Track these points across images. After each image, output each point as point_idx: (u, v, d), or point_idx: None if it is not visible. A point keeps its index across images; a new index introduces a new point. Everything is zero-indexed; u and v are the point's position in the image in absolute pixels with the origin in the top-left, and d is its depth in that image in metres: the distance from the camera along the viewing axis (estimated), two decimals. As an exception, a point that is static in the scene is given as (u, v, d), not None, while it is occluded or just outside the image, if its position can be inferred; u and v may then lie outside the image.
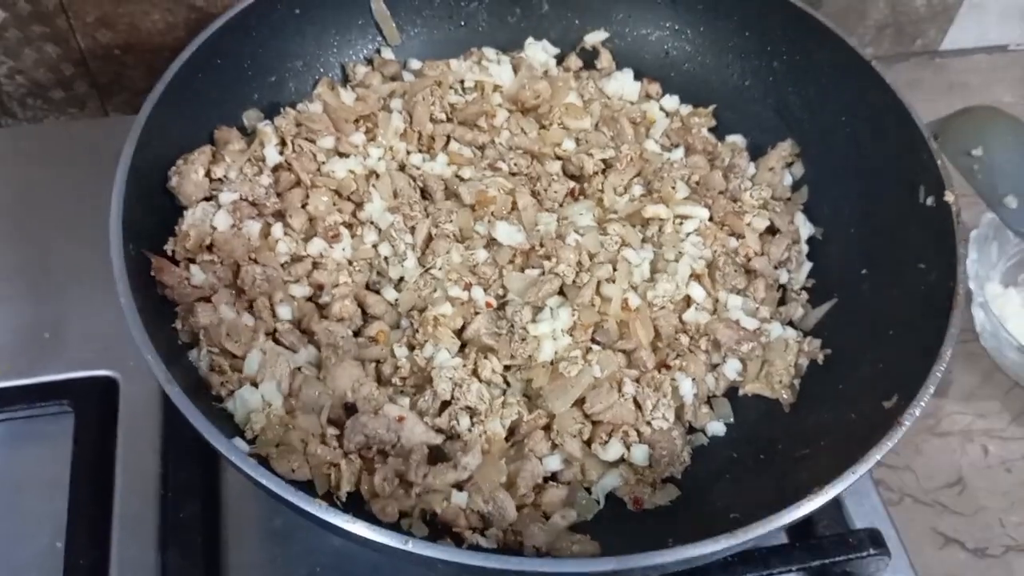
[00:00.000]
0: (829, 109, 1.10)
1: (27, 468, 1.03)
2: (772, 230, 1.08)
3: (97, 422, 1.04)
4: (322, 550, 0.96)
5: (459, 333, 0.97)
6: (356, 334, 0.97)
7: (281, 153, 1.06)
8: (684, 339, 0.98)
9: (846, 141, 1.08)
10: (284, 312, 0.95)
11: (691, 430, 0.97)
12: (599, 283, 0.98)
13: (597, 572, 0.70)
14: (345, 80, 1.19)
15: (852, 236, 1.05)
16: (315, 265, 1.01)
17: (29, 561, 0.96)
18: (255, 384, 0.89)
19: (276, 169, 1.05)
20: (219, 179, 1.01)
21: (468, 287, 0.99)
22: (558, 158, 1.12)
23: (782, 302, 1.06)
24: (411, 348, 0.96)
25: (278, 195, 1.03)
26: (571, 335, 0.96)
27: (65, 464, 1.00)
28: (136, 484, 1.00)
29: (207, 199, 1.00)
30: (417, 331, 0.95)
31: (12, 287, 1.16)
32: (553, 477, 0.91)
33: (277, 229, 1.00)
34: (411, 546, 0.70)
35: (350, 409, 0.91)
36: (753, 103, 1.17)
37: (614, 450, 0.90)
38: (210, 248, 0.97)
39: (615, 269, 1.00)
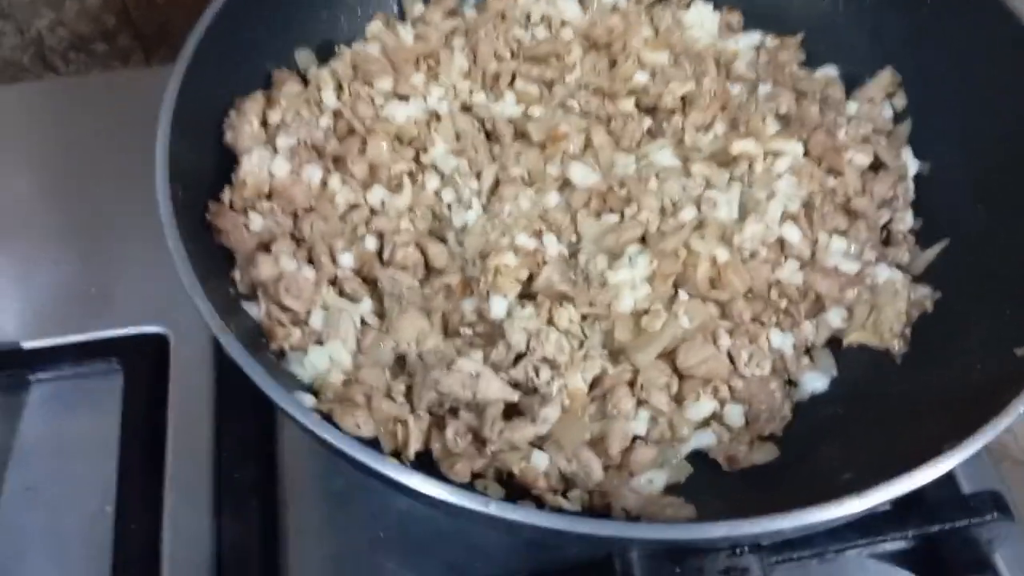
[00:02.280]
0: (934, 35, 0.99)
1: (75, 429, 0.99)
2: (874, 167, 0.98)
3: (147, 381, 0.99)
4: (385, 512, 0.91)
5: (528, 283, 0.89)
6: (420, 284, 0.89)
7: (339, 98, 0.99)
8: (781, 301, 0.89)
9: (954, 70, 0.97)
10: (346, 260, 0.88)
11: (790, 383, 0.88)
12: (685, 232, 0.89)
13: (704, 538, 0.62)
14: (402, 16, 1.10)
15: (963, 171, 0.95)
16: (373, 212, 0.93)
17: (78, 526, 0.92)
18: (319, 343, 0.83)
19: (336, 113, 0.98)
20: (276, 125, 0.94)
21: (538, 234, 0.91)
22: (631, 93, 1.02)
23: (887, 244, 0.96)
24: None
25: (338, 139, 0.96)
26: (650, 284, 0.87)
27: (114, 425, 0.96)
28: (188, 445, 0.95)
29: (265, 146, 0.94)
30: (479, 281, 0.88)
31: (57, 243, 1.12)
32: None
33: (335, 180, 0.93)
34: (493, 508, 0.62)
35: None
36: (846, 31, 1.06)
37: (705, 407, 0.82)
38: (268, 196, 0.90)
39: (700, 210, 0.91)
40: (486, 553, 0.88)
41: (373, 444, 0.77)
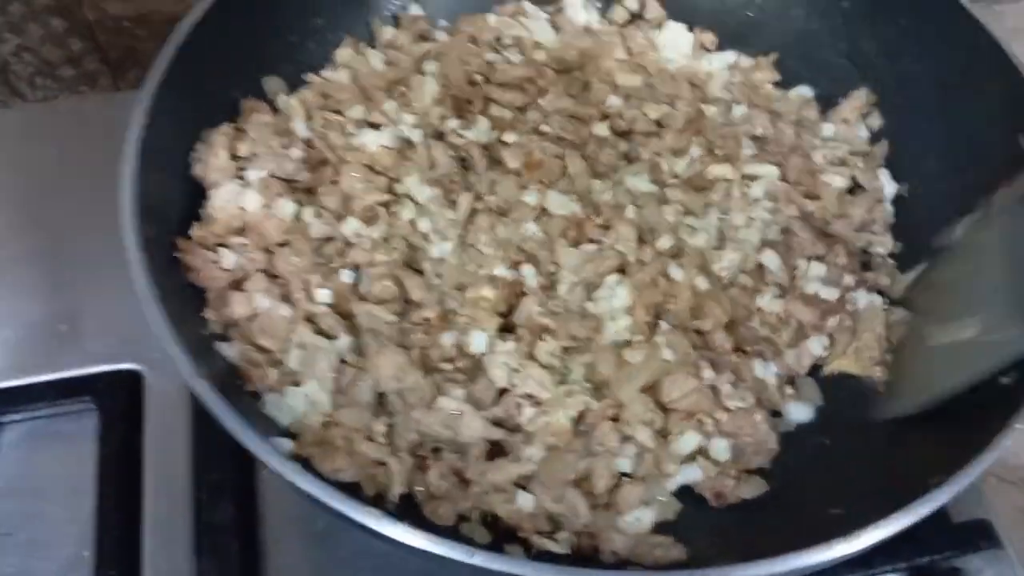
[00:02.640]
0: (910, 53, 0.99)
1: (49, 471, 0.96)
2: (851, 190, 0.97)
3: (122, 419, 0.97)
4: (368, 552, 0.89)
5: (507, 315, 0.88)
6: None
7: (309, 128, 0.97)
8: (763, 330, 0.88)
9: (931, 88, 0.97)
10: (322, 295, 0.87)
11: (775, 415, 0.87)
12: (663, 261, 0.89)
13: (694, 585, 0.61)
14: (372, 41, 1.09)
15: (941, 192, 0.95)
16: (348, 244, 0.92)
17: (55, 572, 0.90)
18: (296, 384, 0.81)
19: (307, 143, 0.96)
20: (245, 157, 0.92)
21: (516, 265, 0.90)
22: (604, 117, 1.02)
23: (866, 268, 0.95)
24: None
25: (310, 170, 0.94)
26: (631, 315, 0.87)
27: (89, 466, 0.93)
28: (166, 485, 0.93)
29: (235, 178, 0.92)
30: (457, 314, 0.87)
31: (25, 277, 1.09)
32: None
33: (308, 212, 0.91)
34: (477, 559, 0.61)
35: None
36: (821, 49, 1.06)
37: (690, 441, 0.81)
38: (240, 231, 0.89)
39: (677, 238, 0.90)
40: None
41: (354, 487, 0.76)
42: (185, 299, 0.85)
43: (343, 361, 0.84)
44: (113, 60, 1.39)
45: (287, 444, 0.76)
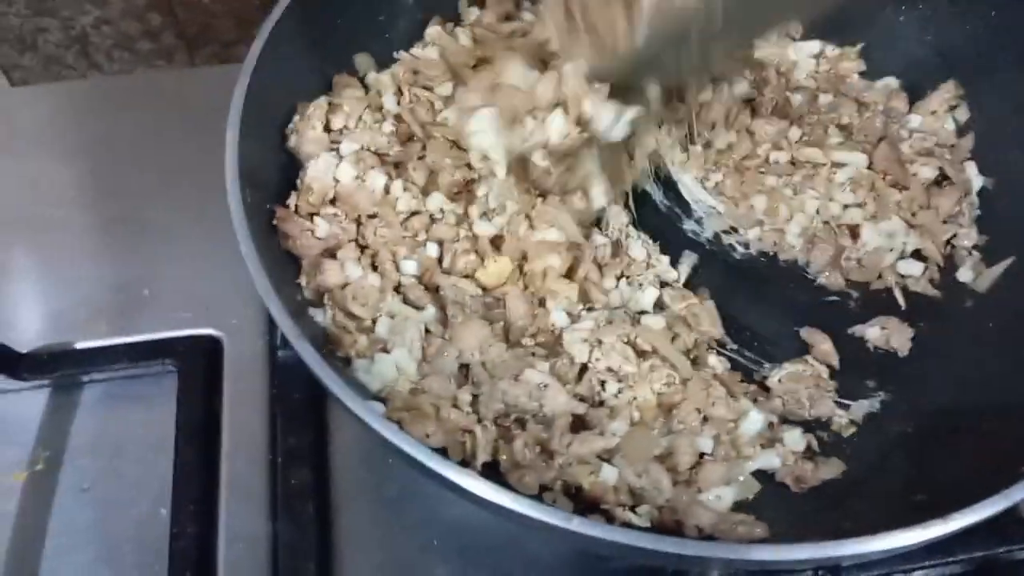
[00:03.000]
0: (1000, 45, 0.98)
1: (129, 430, 0.98)
2: (937, 181, 0.97)
3: (201, 383, 0.98)
4: (437, 520, 0.90)
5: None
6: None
7: (399, 103, 0.98)
8: None
9: (1020, 82, 0.96)
10: (409, 267, 0.88)
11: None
12: None
13: (790, 560, 0.61)
14: (459, 21, 1.10)
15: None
16: (433, 219, 0.93)
17: (132, 527, 0.91)
18: (386, 351, 0.82)
19: (397, 118, 0.97)
20: (339, 130, 0.94)
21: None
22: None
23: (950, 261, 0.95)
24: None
25: (400, 144, 0.95)
26: None
27: (168, 427, 0.95)
28: (243, 449, 0.94)
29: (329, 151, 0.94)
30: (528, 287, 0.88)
31: (108, 244, 1.11)
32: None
33: (396, 186, 0.93)
34: (575, 525, 0.62)
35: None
36: (908, 41, 1.06)
37: (755, 421, 0.81)
38: (333, 202, 0.90)
39: None
40: (539, 563, 0.87)
41: (441, 453, 0.77)
42: (280, 266, 0.86)
43: (428, 331, 0.85)
44: (190, 36, 1.42)
45: (379, 408, 0.77)
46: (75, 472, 0.95)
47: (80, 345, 1.02)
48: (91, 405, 1.00)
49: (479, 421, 0.78)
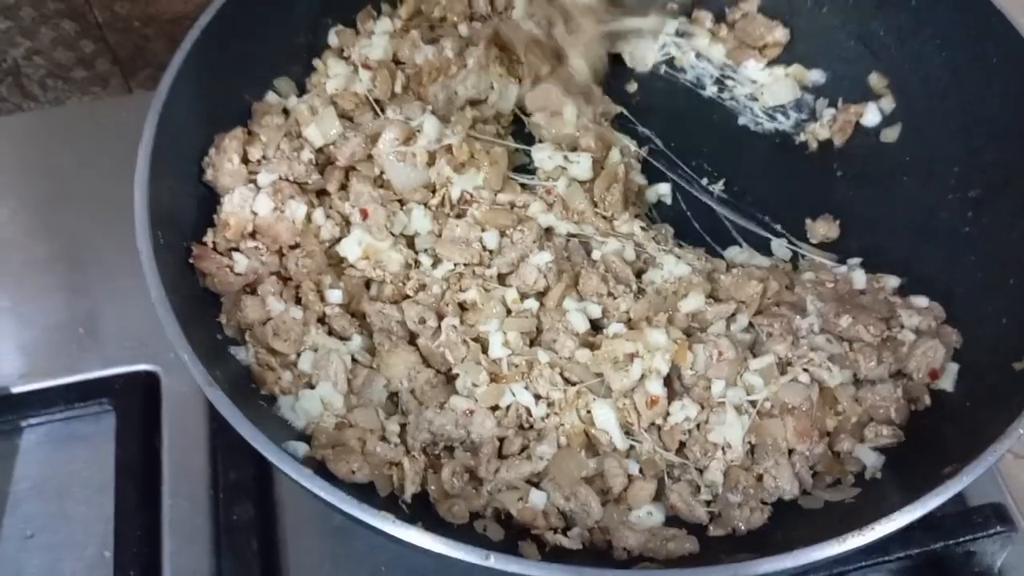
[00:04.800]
0: (921, 35, 0.97)
1: (70, 472, 0.97)
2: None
3: (140, 420, 0.98)
4: (384, 547, 0.89)
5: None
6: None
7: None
8: None
9: (943, 70, 0.96)
10: (334, 296, 0.87)
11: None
12: None
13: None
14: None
15: (954, 176, 0.94)
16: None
17: (78, 572, 0.91)
18: (311, 386, 0.82)
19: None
20: (256, 160, 0.93)
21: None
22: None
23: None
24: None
25: (320, 171, 0.94)
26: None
27: (109, 466, 0.94)
28: (185, 485, 0.94)
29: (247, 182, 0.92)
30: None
31: (44, 282, 1.10)
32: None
33: (318, 214, 0.92)
34: (492, 561, 0.61)
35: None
36: (832, 31, 1.05)
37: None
38: (253, 235, 0.89)
39: None
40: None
41: (369, 487, 0.77)
42: (200, 304, 0.85)
43: (356, 361, 0.84)
44: (124, 60, 1.40)
45: (302, 447, 0.76)
46: (19, 519, 0.95)
47: (17, 389, 1.01)
48: (32, 449, 0.99)
49: (407, 452, 0.78)
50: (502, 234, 0.91)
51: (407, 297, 0.88)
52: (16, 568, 0.92)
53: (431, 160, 0.92)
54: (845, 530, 0.65)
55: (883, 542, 0.79)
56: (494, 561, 0.61)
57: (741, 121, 1.07)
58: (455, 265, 0.89)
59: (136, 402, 0.99)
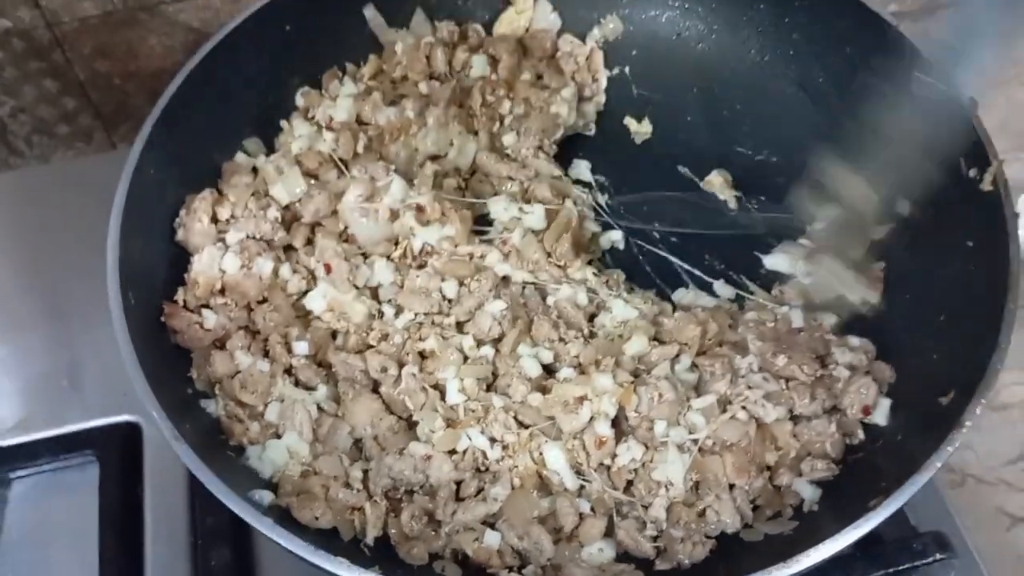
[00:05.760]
0: (857, 79, 1.02)
1: (56, 522, 1.01)
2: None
3: (122, 470, 1.02)
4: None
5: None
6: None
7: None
8: None
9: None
10: (301, 348, 0.92)
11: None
12: None
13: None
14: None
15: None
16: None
17: (66, 617, 0.95)
18: (277, 436, 0.86)
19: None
20: (225, 220, 0.97)
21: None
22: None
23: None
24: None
25: (286, 228, 0.99)
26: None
27: (93, 515, 0.98)
28: (165, 531, 0.98)
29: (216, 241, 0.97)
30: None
31: (28, 335, 1.14)
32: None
33: (285, 269, 0.96)
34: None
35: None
36: (775, 80, 1.10)
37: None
38: (222, 291, 0.93)
39: None
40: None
41: (333, 533, 0.81)
42: (171, 359, 0.90)
43: (321, 410, 0.88)
44: (106, 115, 1.45)
45: (268, 496, 0.80)
46: (6, 568, 0.98)
47: (4, 442, 1.04)
48: (19, 500, 1.03)
49: (369, 497, 0.82)
50: (460, 283, 0.95)
51: (370, 347, 0.92)
52: (4, 616, 0.96)
53: (393, 216, 0.97)
54: (780, 560, 0.69)
55: (824, 569, 0.84)
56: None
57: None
58: (415, 315, 0.93)
59: (118, 452, 1.02)
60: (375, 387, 0.90)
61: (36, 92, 1.39)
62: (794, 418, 0.88)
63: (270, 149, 1.08)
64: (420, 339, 0.92)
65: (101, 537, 0.96)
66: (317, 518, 0.79)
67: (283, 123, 1.08)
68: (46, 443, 1.04)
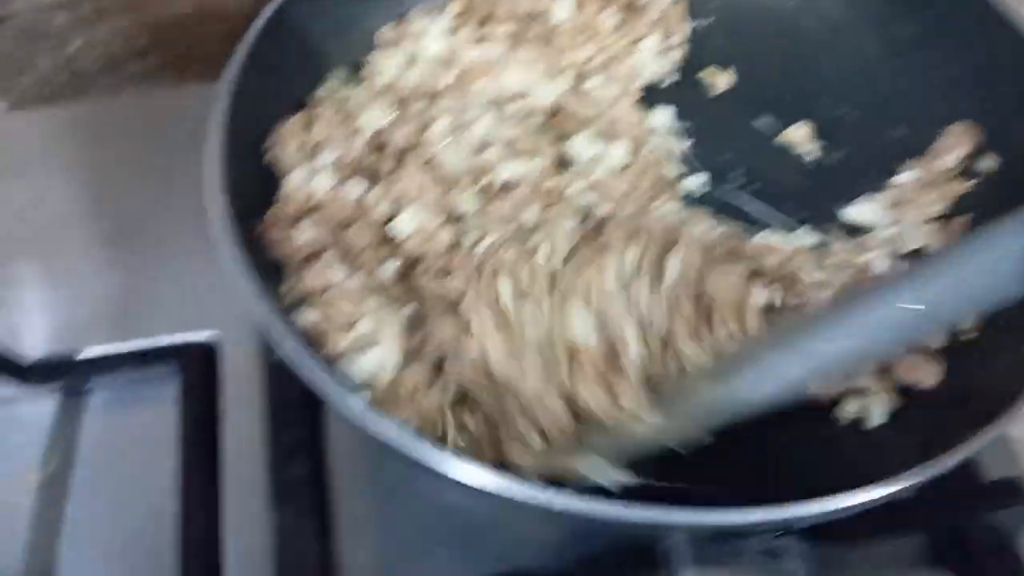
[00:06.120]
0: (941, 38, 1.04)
1: (134, 432, 1.04)
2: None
3: (201, 384, 1.05)
4: (433, 505, 0.96)
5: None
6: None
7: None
8: None
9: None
10: (388, 268, 0.94)
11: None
12: None
13: (741, 523, 0.67)
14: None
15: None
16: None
17: (142, 522, 0.97)
18: (367, 349, 0.88)
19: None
20: (315, 144, 0.99)
21: None
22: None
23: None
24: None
25: (374, 152, 1.00)
26: None
27: (170, 428, 1.01)
28: (243, 446, 1.00)
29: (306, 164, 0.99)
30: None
31: (108, 257, 1.17)
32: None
33: (372, 194, 0.98)
34: (553, 501, 0.67)
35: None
36: (860, 35, 1.12)
37: None
38: (312, 212, 0.95)
39: None
40: (533, 542, 0.94)
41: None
42: (264, 275, 0.91)
43: (408, 327, 0.91)
44: (176, 56, 1.47)
45: (363, 398, 0.82)
46: (85, 473, 1.01)
47: (85, 353, 1.08)
48: (99, 409, 1.06)
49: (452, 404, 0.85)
50: (541, 214, 0.97)
51: (451, 271, 0.94)
52: (84, 517, 0.99)
53: (480, 147, 0.99)
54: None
55: (903, 512, 0.84)
56: (557, 501, 0.67)
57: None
58: (495, 241, 0.95)
59: (198, 367, 1.05)
60: (455, 307, 0.92)
61: (110, 28, 1.41)
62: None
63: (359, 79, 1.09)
64: (498, 262, 0.93)
65: (180, 449, 0.99)
66: (406, 422, 0.81)
67: (370, 56, 1.10)
68: (125, 356, 1.07)
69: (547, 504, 0.68)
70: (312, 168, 0.98)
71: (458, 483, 0.72)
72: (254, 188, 0.98)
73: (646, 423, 0.77)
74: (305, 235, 0.92)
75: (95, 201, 1.23)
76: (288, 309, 0.91)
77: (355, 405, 0.75)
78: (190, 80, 1.50)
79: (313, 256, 0.93)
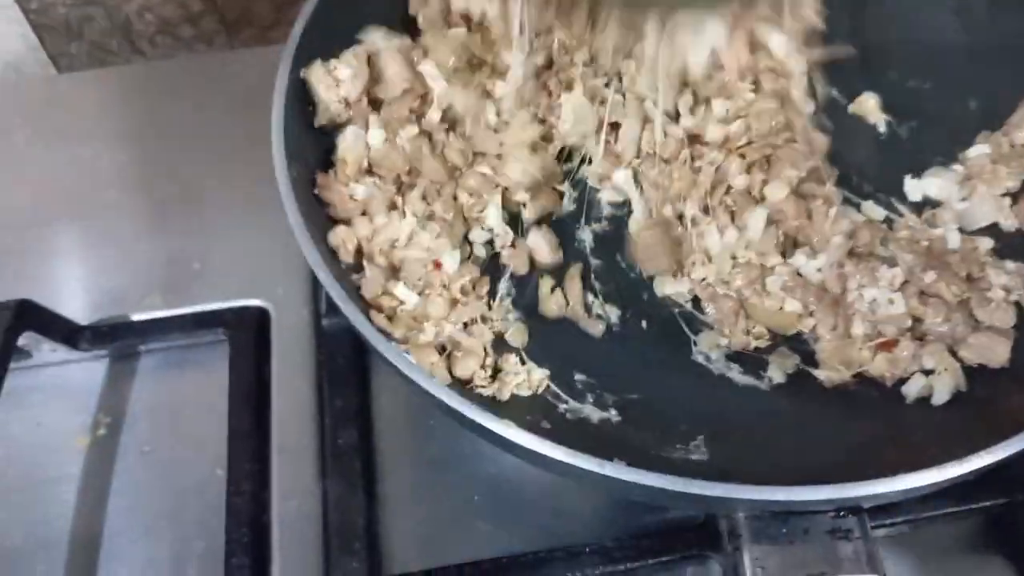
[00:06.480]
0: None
1: (184, 396, 1.04)
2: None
3: (251, 351, 1.04)
4: (478, 477, 0.95)
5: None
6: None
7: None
8: None
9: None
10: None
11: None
12: None
13: (808, 500, 0.65)
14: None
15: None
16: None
17: (191, 486, 0.97)
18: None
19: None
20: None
21: None
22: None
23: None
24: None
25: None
26: None
27: (221, 393, 1.00)
28: (292, 412, 1.00)
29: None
30: None
31: (159, 222, 1.17)
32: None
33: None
34: (609, 470, 0.66)
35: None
36: (929, 4, 1.07)
37: None
38: (370, 171, 0.94)
39: None
40: (577, 516, 0.92)
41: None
42: (323, 238, 0.91)
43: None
44: (229, 21, 1.46)
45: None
46: (135, 436, 1.01)
47: (136, 317, 1.07)
48: (148, 373, 1.06)
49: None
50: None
51: None
52: (133, 480, 0.99)
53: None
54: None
55: (970, 489, 0.82)
56: (610, 470, 0.65)
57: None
58: None
59: (248, 333, 1.05)
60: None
61: (165, -9, 1.41)
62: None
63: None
64: None
65: (231, 412, 0.98)
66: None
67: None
68: (177, 320, 1.07)
69: (611, 475, 0.66)
70: (364, 125, 0.96)
71: (527, 451, 0.70)
72: (315, 150, 0.96)
73: None
74: (361, 192, 0.92)
75: (147, 165, 1.22)
76: (345, 273, 0.90)
77: (417, 371, 0.74)
78: (242, 44, 1.50)
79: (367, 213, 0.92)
